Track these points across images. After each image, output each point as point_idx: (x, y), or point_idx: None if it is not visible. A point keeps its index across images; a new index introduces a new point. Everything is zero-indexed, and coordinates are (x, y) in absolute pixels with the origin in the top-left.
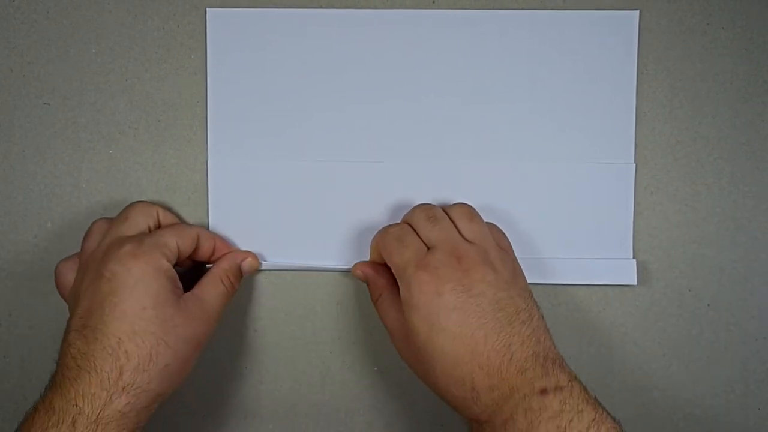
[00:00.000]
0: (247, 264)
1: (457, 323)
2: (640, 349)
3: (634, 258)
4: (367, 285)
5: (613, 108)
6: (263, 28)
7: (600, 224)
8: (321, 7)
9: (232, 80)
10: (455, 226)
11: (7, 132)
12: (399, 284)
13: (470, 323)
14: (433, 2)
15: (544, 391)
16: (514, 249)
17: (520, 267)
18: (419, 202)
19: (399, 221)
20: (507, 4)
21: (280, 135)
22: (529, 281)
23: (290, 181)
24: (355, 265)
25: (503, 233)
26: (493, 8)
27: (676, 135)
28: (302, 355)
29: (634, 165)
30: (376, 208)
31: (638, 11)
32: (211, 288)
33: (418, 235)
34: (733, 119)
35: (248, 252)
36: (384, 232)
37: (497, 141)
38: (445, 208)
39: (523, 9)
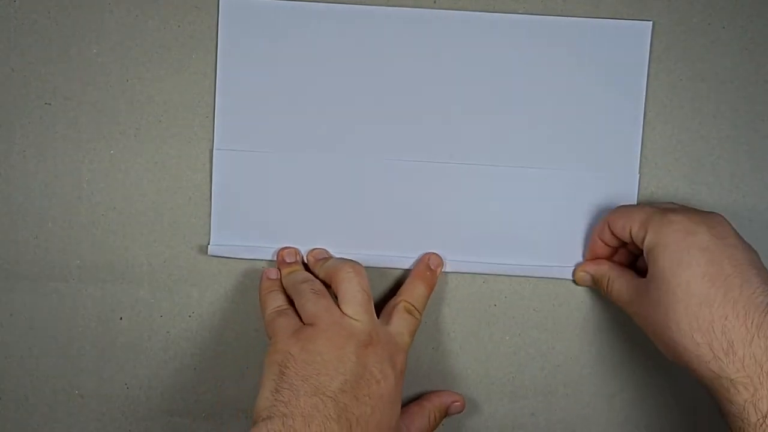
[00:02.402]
0: (455, 408)
1: (709, 262)
2: (642, 348)
3: None
4: (594, 281)
5: (620, 117)
6: (273, 18)
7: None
8: (333, 2)
9: (240, 70)
10: None
11: (8, 132)
12: (644, 234)
13: (724, 265)
14: (434, 1)
15: None
16: (514, 253)
17: None
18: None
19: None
20: (505, 6)
21: (285, 129)
22: (531, 278)
23: (294, 177)
24: (575, 272)
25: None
26: (503, 11)
27: (676, 135)
28: None
29: (638, 176)
30: (382, 206)
31: (651, 22)
32: (417, 418)
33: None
34: (733, 119)
35: (457, 395)
36: (610, 212)
37: (500, 143)
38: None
39: (531, 14)
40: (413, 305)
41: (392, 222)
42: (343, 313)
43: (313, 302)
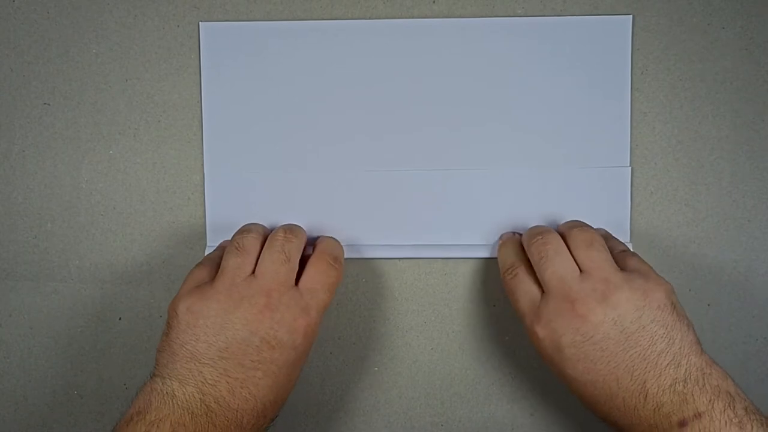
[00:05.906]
0: None
1: (584, 372)
2: None
3: None
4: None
5: (609, 112)
6: (256, 41)
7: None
8: (313, 19)
9: (226, 92)
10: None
11: (7, 132)
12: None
13: (598, 371)
14: (434, 2)
15: (682, 423)
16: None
17: (656, 280)
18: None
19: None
20: (505, 7)
21: (275, 145)
22: None
23: (285, 192)
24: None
25: (631, 253)
26: (488, 16)
27: (676, 135)
28: None
29: (630, 168)
30: (374, 213)
31: (631, 16)
32: None
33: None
34: (733, 119)
35: None
36: (504, 277)
37: (494, 147)
38: (564, 231)
39: (519, 15)
40: (332, 255)
41: (388, 230)
42: (253, 273)
43: (230, 257)
